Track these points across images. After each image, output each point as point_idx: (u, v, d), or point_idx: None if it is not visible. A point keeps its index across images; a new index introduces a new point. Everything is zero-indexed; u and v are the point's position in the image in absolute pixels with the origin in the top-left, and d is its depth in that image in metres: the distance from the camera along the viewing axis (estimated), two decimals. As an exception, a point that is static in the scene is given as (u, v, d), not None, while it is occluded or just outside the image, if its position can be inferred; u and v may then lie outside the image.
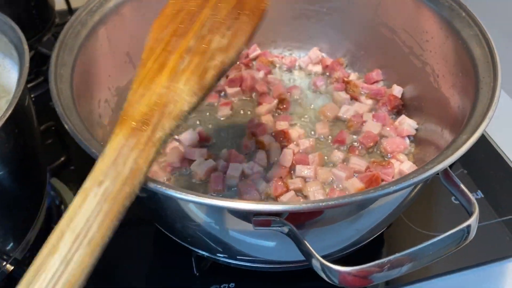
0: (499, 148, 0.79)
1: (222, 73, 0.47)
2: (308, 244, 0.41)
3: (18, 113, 0.47)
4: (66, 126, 0.46)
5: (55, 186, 0.76)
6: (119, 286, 0.63)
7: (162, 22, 0.50)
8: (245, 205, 0.40)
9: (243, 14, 0.50)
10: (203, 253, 0.58)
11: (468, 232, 0.42)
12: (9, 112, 0.45)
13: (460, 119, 0.54)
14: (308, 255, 0.41)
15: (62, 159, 0.79)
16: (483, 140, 0.80)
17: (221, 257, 0.58)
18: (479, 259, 0.64)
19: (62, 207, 0.72)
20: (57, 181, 0.77)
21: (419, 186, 0.49)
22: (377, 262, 0.40)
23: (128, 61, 0.69)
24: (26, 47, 0.50)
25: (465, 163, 0.77)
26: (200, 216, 0.45)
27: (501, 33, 0.89)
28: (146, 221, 0.66)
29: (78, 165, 0.80)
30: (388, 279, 0.41)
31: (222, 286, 0.63)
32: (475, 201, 0.43)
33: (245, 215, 0.43)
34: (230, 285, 0.63)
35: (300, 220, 0.44)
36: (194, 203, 0.41)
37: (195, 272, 0.63)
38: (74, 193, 0.73)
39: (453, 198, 0.72)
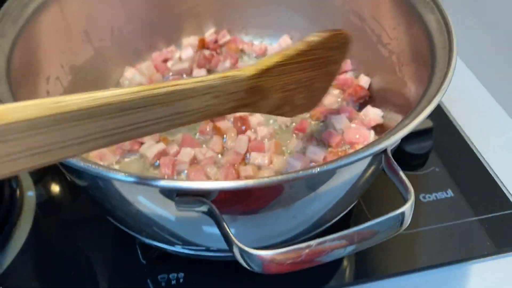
0: (474, 145, 0.76)
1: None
2: (226, 227, 0.38)
3: None
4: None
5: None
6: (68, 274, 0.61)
7: None
8: (153, 181, 0.37)
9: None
10: (145, 239, 0.56)
11: (403, 219, 0.39)
12: None
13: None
14: (227, 241, 0.39)
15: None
16: (458, 137, 0.78)
17: (164, 246, 0.56)
18: (456, 256, 0.62)
19: (18, 192, 0.71)
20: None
21: (361, 172, 0.46)
22: (303, 244, 0.37)
23: (86, 40, 0.67)
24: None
25: (438, 161, 0.74)
26: (115, 192, 0.43)
27: (474, 20, 0.87)
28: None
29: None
30: (321, 263, 0.38)
31: (171, 276, 0.61)
32: (412, 189, 0.40)
33: (167, 195, 0.41)
34: (179, 275, 0.61)
35: (227, 202, 0.41)
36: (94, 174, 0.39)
37: (142, 260, 0.62)
38: (32, 177, 0.73)
39: (422, 195, 0.70)
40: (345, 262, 0.62)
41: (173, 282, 0.60)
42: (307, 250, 0.37)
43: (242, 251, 0.37)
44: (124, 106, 0.34)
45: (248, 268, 0.38)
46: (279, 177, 0.37)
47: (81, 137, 0.33)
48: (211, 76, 0.41)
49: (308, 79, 0.55)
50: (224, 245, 0.52)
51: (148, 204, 0.44)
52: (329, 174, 0.42)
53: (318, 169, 0.38)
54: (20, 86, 0.50)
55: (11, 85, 0.48)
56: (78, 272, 0.62)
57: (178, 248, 0.55)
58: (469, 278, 0.61)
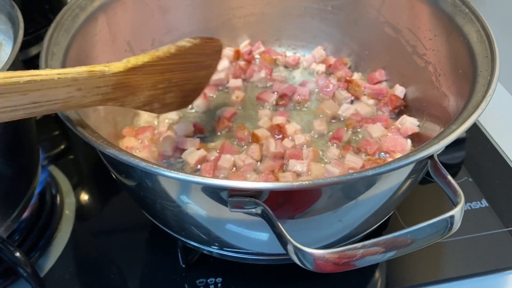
0: (507, 156, 0.76)
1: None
2: (281, 226, 0.39)
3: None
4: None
5: (53, 173, 0.77)
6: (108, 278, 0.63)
7: None
8: (212, 181, 0.39)
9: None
10: (187, 241, 0.57)
11: (452, 223, 0.39)
12: None
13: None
14: (281, 239, 0.40)
15: (62, 147, 0.80)
16: (490, 149, 0.78)
17: (206, 248, 0.57)
18: (483, 268, 0.62)
19: (58, 198, 0.73)
20: (56, 169, 0.77)
21: (405, 178, 0.47)
22: (353, 245, 0.38)
23: (129, 50, 0.70)
24: (20, 17, 0.51)
25: (471, 171, 0.74)
26: (173, 194, 0.45)
27: (504, 31, 0.88)
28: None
29: (77, 154, 0.81)
30: (367, 265, 0.39)
31: (209, 281, 0.62)
32: (461, 192, 0.41)
33: (221, 197, 0.42)
34: (217, 280, 0.62)
35: (277, 204, 0.42)
36: (158, 174, 0.41)
37: (181, 264, 0.63)
38: (71, 182, 0.75)
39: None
40: (377, 272, 0.63)
41: (211, 286, 0.61)
42: (361, 250, 0.37)
43: (296, 249, 0.38)
44: None
45: (301, 265, 0.39)
46: (335, 179, 0.38)
47: None
48: (76, 69, 0.42)
49: (179, 80, 0.56)
50: (265, 249, 0.54)
51: (201, 205, 0.45)
52: (379, 178, 0.43)
53: (371, 172, 0.39)
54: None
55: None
56: (116, 277, 0.63)
57: (218, 250, 0.56)
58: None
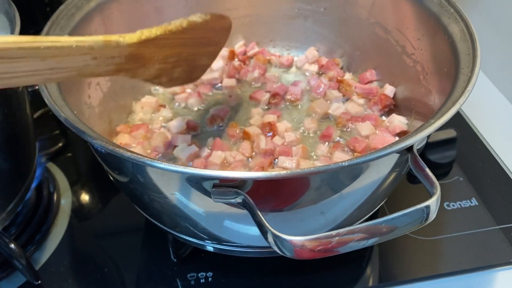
0: (497, 155, 0.77)
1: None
2: (261, 215, 0.41)
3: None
4: (40, 90, 0.48)
5: (51, 170, 0.78)
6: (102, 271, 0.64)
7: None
8: (194, 170, 0.40)
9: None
10: (177, 234, 0.58)
11: (428, 213, 0.40)
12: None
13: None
14: (261, 228, 0.41)
15: (60, 144, 0.82)
16: (481, 148, 0.79)
17: (195, 241, 0.58)
18: (475, 264, 0.63)
19: (55, 194, 0.74)
20: (54, 166, 0.79)
21: (388, 171, 0.48)
22: (329, 232, 0.39)
23: (124, 49, 0.71)
24: (17, 15, 0.53)
25: (462, 170, 0.75)
26: (159, 184, 0.46)
27: (497, 32, 0.89)
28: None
29: (75, 152, 0.82)
30: (350, 250, 0.40)
31: (199, 275, 0.63)
32: (438, 184, 0.42)
33: (205, 188, 0.44)
34: (208, 274, 0.63)
35: (259, 195, 0.44)
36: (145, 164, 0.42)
37: (173, 258, 0.64)
38: (69, 180, 0.77)
39: (446, 204, 0.71)
40: (369, 267, 0.64)
41: (202, 280, 0.62)
42: (336, 238, 0.38)
43: (275, 237, 0.39)
44: (3, 54, 0.35)
45: (281, 253, 0.40)
46: (312, 169, 0.39)
47: None
48: (93, 38, 0.42)
49: (188, 55, 0.57)
50: (253, 241, 0.55)
51: (186, 195, 0.47)
52: (358, 169, 0.44)
53: (347, 162, 0.40)
54: (67, 87, 0.54)
55: (59, 86, 0.52)
56: (110, 270, 0.64)
57: (208, 243, 0.58)
58: (491, 285, 0.62)
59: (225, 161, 0.64)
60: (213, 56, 0.65)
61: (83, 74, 0.44)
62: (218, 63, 0.80)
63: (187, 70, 0.59)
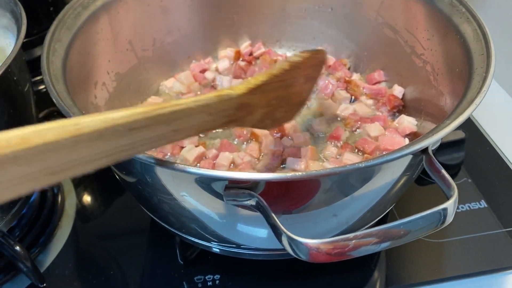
0: (506, 157, 0.77)
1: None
2: (275, 217, 0.40)
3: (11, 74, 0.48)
4: (49, 90, 0.47)
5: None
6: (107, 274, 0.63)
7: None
8: (207, 172, 0.39)
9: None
10: (185, 236, 0.57)
11: (445, 216, 0.40)
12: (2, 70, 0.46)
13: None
14: (276, 230, 0.40)
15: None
16: (489, 150, 0.78)
17: (203, 243, 0.57)
18: (482, 267, 0.62)
19: (60, 196, 0.73)
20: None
21: (401, 173, 0.47)
22: (346, 235, 0.38)
23: (130, 49, 0.70)
24: (23, 14, 0.53)
25: (470, 172, 0.75)
26: (169, 186, 0.45)
27: (504, 32, 0.88)
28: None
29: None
30: (363, 255, 0.39)
31: (207, 277, 0.62)
32: (455, 186, 0.41)
33: (216, 190, 0.43)
34: (215, 277, 0.62)
35: (272, 196, 0.43)
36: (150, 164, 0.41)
37: (180, 260, 0.63)
38: (73, 182, 0.76)
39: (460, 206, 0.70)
40: (376, 270, 0.63)
41: (209, 283, 0.61)
42: (354, 241, 0.38)
43: (290, 240, 0.38)
44: (132, 126, 0.36)
45: (295, 255, 0.39)
46: (328, 170, 0.39)
47: (89, 156, 0.34)
48: (207, 95, 0.43)
49: (288, 95, 0.57)
50: (262, 244, 0.54)
51: (196, 196, 0.46)
52: (372, 171, 0.44)
53: (364, 164, 0.39)
54: (74, 87, 0.53)
55: (67, 85, 0.51)
56: (115, 273, 0.64)
57: (216, 245, 0.57)
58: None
59: (232, 162, 0.63)
60: (310, 91, 0.64)
61: (201, 130, 0.46)
62: (224, 64, 0.79)
63: (288, 109, 0.59)
